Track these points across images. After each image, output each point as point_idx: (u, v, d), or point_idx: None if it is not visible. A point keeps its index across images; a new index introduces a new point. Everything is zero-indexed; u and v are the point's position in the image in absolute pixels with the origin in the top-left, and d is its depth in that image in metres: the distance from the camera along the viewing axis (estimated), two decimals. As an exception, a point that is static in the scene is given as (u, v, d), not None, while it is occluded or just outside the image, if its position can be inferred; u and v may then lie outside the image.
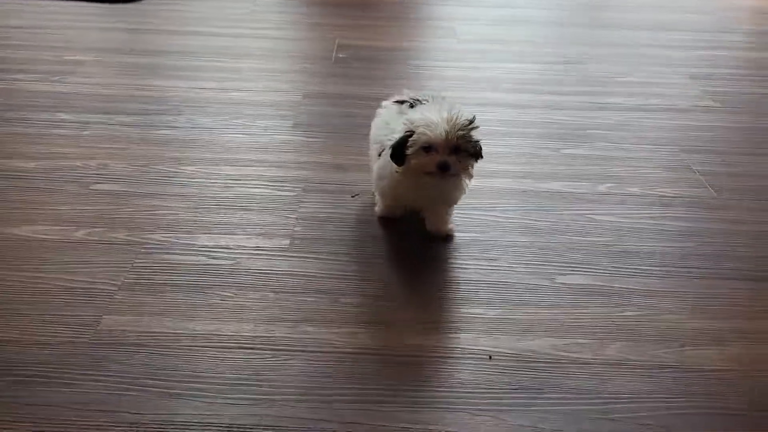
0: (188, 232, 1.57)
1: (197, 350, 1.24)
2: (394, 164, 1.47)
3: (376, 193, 1.64)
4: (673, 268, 1.52)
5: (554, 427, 1.11)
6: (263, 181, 1.80)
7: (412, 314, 1.36)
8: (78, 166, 1.83)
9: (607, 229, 1.64)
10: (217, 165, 1.87)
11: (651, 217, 1.71)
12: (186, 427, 1.08)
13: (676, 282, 1.48)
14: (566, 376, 1.22)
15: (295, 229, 1.60)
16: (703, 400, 1.18)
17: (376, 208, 1.65)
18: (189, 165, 1.86)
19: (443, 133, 1.41)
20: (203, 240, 1.54)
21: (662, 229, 1.66)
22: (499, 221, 1.66)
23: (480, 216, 1.68)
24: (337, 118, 2.23)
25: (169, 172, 1.82)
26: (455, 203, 1.57)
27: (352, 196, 1.74)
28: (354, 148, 1.97)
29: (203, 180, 1.79)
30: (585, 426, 1.12)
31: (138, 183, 1.77)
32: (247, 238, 1.56)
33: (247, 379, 1.18)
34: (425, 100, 1.55)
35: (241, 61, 2.67)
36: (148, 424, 1.09)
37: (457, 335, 1.30)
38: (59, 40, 2.81)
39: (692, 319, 1.36)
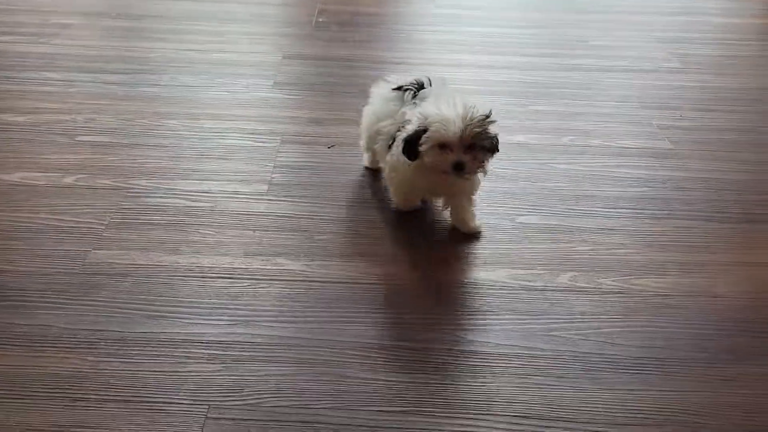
0: (170, 179, 1.66)
1: (179, 279, 1.34)
2: (405, 158, 1.43)
3: (389, 186, 1.57)
4: (626, 210, 1.63)
5: (510, 344, 1.23)
6: (242, 133, 1.89)
7: (380, 249, 1.46)
8: (65, 120, 1.91)
9: (566, 176, 1.75)
10: (198, 119, 1.95)
11: (609, 166, 1.81)
12: (168, 343, 1.19)
13: (627, 221, 1.59)
14: (520, 300, 1.33)
15: (273, 175, 1.70)
16: (644, 319, 1.30)
17: (393, 202, 1.57)
18: (171, 119, 1.94)
19: (458, 131, 1.35)
20: (184, 185, 1.64)
21: (619, 176, 1.77)
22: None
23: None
24: (315, 77, 2.32)
25: (153, 125, 1.91)
26: (473, 194, 1.52)
27: (328, 147, 1.84)
28: (331, 104, 2.07)
29: (185, 132, 1.88)
30: (535, 343, 1.23)
31: (122, 135, 1.85)
32: (227, 183, 1.65)
33: (225, 304, 1.28)
34: (421, 82, 1.50)
35: (224, 25, 2.74)
36: (133, 340, 1.19)
37: (422, 267, 1.42)
38: (46, 4, 2.86)
39: (639, 253, 1.48)
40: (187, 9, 2.90)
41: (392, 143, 1.48)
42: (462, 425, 1.07)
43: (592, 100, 2.19)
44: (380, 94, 1.58)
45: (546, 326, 1.27)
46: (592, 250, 1.48)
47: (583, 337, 1.25)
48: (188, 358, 1.16)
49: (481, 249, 1.47)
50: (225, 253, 1.41)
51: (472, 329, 1.26)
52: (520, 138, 1.93)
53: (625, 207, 1.64)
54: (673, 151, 1.89)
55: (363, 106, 1.66)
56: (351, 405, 1.09)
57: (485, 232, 1.51)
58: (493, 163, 1.64)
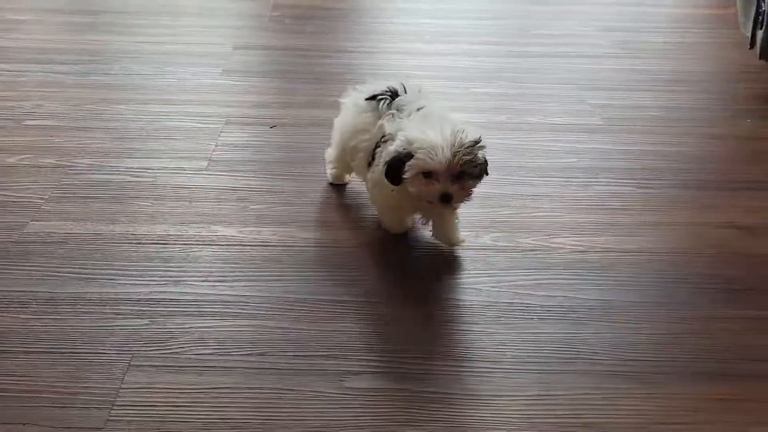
0: (114, 158, 1.71)
1: (113, 246, 1.39)
2: (388, 183, 1.32)
3: (374, 205, 1.48)
4: (552, 178, 1.70)
5: (433, 299, 1.30)
6: (188, 116, 1.94)
7: (312, 216, 1.52)
8: (12, 106, 1.95)
9: (498, 150, 1.81)
10: (146, 104, 2.00)
11: (542, 140, 1.89)
12: (98, 302, 1.23)
13: (552, 189, 1.66)
14: (445, 260, 1.40)
15: (214, 153, 1.75)
16: (558, 273, 1.36)
17: (383, 224, 1.47)
18: (119, 104, 1.99)
19: (446, 160, 1.24)
20: (128, 163, 1.69)
21: (550, 149, 1.84)
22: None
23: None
24: (265, 66, 2.38)
25: (100, 110, 1.96)
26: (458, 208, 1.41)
27: (271, 127, 1.89)
28: (279, 90, 2.14)
29: (132, 116, 1.93)
30: (454, 295, 1.30)
31: (69, 119, 1.90)
32: (169, 160, 1.70)
33: (156, 266, 1.33)
34: (395, 90, 1.40)
35: (178, 19, 2.79)
36: (63, 299, 1.23)
37: (349, 231, 1.48)
38: (1, 1, 2.91)
39: (561, 216, 1.55)
40: (143, 4, 2.94)
41: (372, 159, 1.38)
42: (376, 367, 1.12)
43: (533, 82, 2.27)
44: (353, 104, 1.46)
45: (465, 281, 1.34)
46: (516, 214, 1.55)
47: (498, 289, 1.32)
48: (117, 314, 1.21)
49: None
50: (161, 222, 1.46)
51: (394, 285, 1.33)
52: (458, 117, 2.00)
53: (553, 176, 1.71)
54: (603, 127, 1.97)
55: (335, 117, 1.55)
56: (269, 351, 1.15)
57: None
58: None
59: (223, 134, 1.84)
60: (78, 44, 2.48)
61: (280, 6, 2.97)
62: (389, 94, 1.41)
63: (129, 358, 1.11)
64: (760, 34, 2.05)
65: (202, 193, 1.58)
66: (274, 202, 1.56)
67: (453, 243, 1.42)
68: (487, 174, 1.33)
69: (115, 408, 1.03)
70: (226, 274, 1.33)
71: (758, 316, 1.28)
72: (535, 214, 1.55)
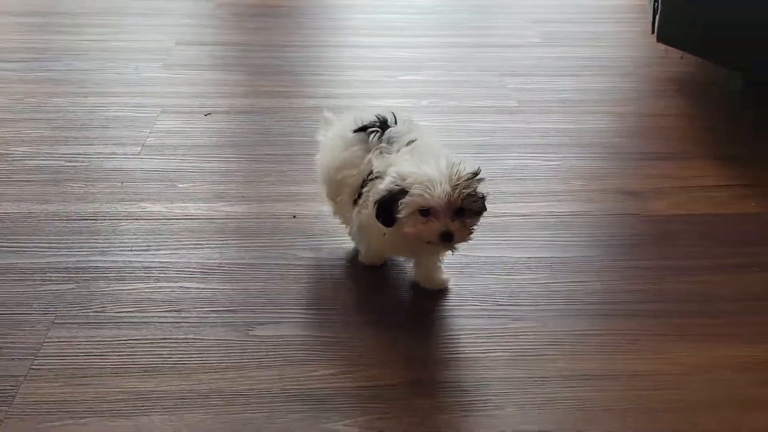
0: (50, 145, 1.81)
1: (45, 223, 1.48)
2: (380, 224, 1.21)
3: (355, 242, 1.39)
4: (468, 154, 1.82)
5: (314, 256, 1.42)
6: (125, 107, 2.03)
7: (233, 193, 1.62)
8: (-46, 101, 2.05)
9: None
10: (86, 97, 2.09)
11: (461, 121, 2.03)
12: (27, 270, 1.33)
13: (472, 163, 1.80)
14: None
15: (148, 139, 1.85)
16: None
17: (361, 256, 1.39)
18: (59, 97, 2.08)
19: (445, 195, 1.14)
20: (63, 150, 1.78)
21: (466, 128, 1.98)
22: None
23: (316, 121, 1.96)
24: (205, 60, 2.48)
25: (41, 103, 2.04)
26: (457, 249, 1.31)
27: (205, 115, 2.00)
28: (217, 81, 2.25)
29: (71, 108, 2.02)
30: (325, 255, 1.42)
31: (8, 112, 1.98)
32: (103, 147, 1.80)
33: (85, 239, 1.43)
34: (384, 119, 1.29)
35: (123, 18, 2.87)
36: (-9, 269, 1.34)
37: (267, 205, 1.57)
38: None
39: (469, 187, 1.69)
40: (91, 5, 3.01)
41: (358, 197, 1.27)
42: (280, 318, 1.24)
43: (458, 70, 2.41)
44: (339, 136, 1.34)
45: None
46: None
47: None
48: (44, 281, 1.31)
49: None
50: (91, 201, 1.56)
51: (302, 249, 1.43)
52: (386, 102, 2.12)
53: (469, 152, 1.84)
54: (518, 108, 2.11)
55: (315, 155, 1.45)
56: (184, 308, 1.26)
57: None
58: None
59: (158, 122, 1.94)
60: (25, 44, 2.56)
61: (222, 4, 3.08)
62: (379, 125, 1.30)
63: (53, 317, 1.21)
64: (657, 18, 2.21)
65: (133, 175, 1.68)
66: (203, 181, 1.67)
67: (437, 285, 1.34)
68: (486, 210, 1.22)
69: (37, 358, 1.13)
70: (150, 244, 1.43)
71: (647, 266, 1.43)
72: (444, 185, 1.69)
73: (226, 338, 1.18)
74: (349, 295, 1.32)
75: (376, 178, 1.22)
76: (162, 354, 1.15)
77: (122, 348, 1.16)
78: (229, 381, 1.10)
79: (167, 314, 1.23)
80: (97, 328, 1.19)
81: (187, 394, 1.08)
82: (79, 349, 1.15)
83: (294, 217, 1.53)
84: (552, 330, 1.25)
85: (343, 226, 1.40)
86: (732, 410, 1.08)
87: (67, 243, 1.42)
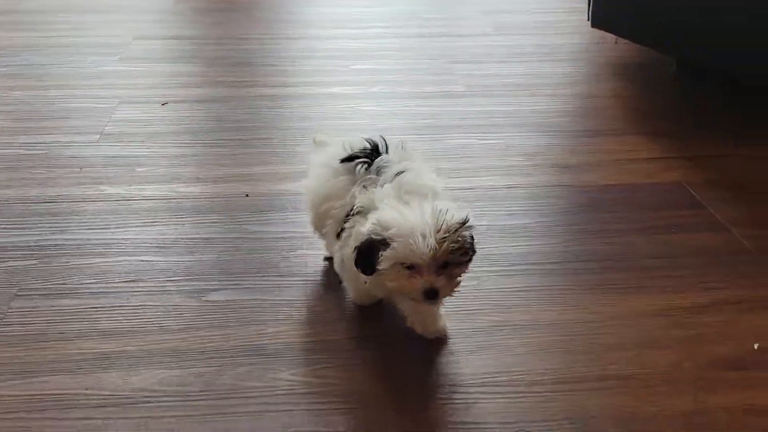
0: (9, 135, 1.87)
1: (6, 207, 1.55)
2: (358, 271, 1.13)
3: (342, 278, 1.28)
4: (411, 135, 1.93)
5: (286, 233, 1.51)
6: (84, 98, 2.10)
7: (190, 175, 1.70)
8: None
9: (366, 115, 2.05)
10: (44, 90, 2.15)
11: (408, 106, 2.12)
12: (-9, 250, 1.40)
13: (415, 144, 1.88)
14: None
15: (106, 128, 1.92)
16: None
17: (349, 295, 1.29)
18: (18, 91, 2.14)
19: (430, 252, 1.04)
20: (22, 139, 1.84)
21: (413, 113, 2.08)
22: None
23: (270, 108, 2.06)
24: (161, 53, 2.55)
25: (0, 96, 2.10)
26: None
27: (162, 104, 2.07)
28: (173, 72, 2.32)
29: (30, 100, 2.08)
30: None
31: (-32, 105, 2.04)
32: (62, 136, 1.87)
33: (45, 220, 1.50)
34: (375, 145, 1.22)
35: (83, 15, 2.92)
36: (-42, 249, 1.40)
37: (222, 186, 1.66)
38: None
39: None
40: (51, 3, 3.06)
41: (341, 231, 1.19)
42: (234, 285, 1.32)
43: (410, 59, 2.51)
44: (325, 165, 1.26)
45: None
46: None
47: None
48: (7, 258, 1.38)
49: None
50: (51, 186, 1.63)
51: (254, 223, 1.51)
52: (335, 89, 2.22)
53: (413, 133, 1.94)
54: (465, 93, 2.22)
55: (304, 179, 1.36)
56: (141, 278, 1.33)
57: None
58: (308, 109, 1.87)
59: (116, 112, 2.01)
60: (-17, 41, 2.61)
61: (183, 0, 3.15)
62: (368, 153, 1.22)
63: (15, 290, 1.28)
64: (591, 5, 2.34)
65: (92, 161, 1.75)
66: (160, 166, 1.74)
67: (431, 333, 1.22)
68: (475, 253, 1.12)
69: (0, 327, 1.20)
70: (109, 223, 1.50)
71: (577, 230, 1.54)
72: (391, 164, 1.79)
73: (181, 304, 1.27)
74: (297, 262, 1.40)
75: (359, 213, 1.14)
76: (120, 319, 1.23)
77: (82, 315, 1.23)
78: (183, 341, 1.19)
79: (126, 284, 1.31)
80: (58, 299, 1.27)
81: (144, 353, 1.16)
82: (41, 317, 1.22)
83: (246, 195, 1.62)
84: (487, 288, 1.35)
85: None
86: (640, 350, 1.19)
87: (28, 224, 1.48)
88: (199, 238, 1.46)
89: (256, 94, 2.18)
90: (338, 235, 1.20)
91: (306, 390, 1.10)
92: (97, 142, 1.84)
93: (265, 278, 1.35)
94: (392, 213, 1.08)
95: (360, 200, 1.15)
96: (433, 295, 1.08)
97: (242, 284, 1.33)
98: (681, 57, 2.33)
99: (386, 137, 1.25)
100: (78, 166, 1.72)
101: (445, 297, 1.11)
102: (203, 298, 1.28)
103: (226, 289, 1.32)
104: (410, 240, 1.04)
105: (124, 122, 1.96)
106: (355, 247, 1.11)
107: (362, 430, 1.05)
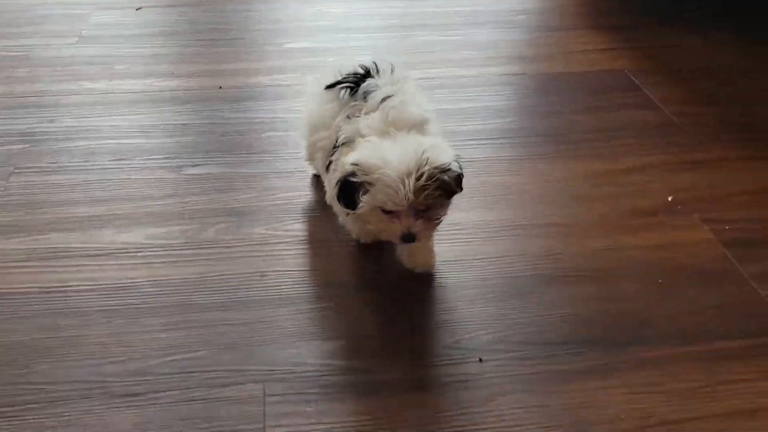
0: (-8, 40, 1.96)
1: (-5, 100, 1.67)
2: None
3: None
4: (381, 34, 2.04)
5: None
6: (60, 4, 2.16)
7: (166, 71, 1.81)
8: None
9: (335, 16, 2.15)
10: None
11: (374, 7, 2.21)
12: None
13: (382, 42, 2.00)
14: (260, 99, 1.73)
15: (83, 31, 2.00)
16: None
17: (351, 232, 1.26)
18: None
19: (406, 200, 1.02)
20: (2, 43, 1.92)
21: (378, 13, 2.17)
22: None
23: (240, 12, 2.14)
24: None
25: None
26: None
27: (136, 9, 2.15)
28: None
29: (5, 8, 2.13)
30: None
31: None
32: (41, 38, 1.94)
33: (32, 112, 1.61)
34: (366, 69, 1.17)
35: None
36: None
37: (195, 80, 1.77)
38: None
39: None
40: None
41: (329, 164, 1.15)
42: (209, 160, 1.45)
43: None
44: (315, 93, 1.24)
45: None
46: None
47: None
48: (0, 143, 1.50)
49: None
50: (36, 82, 1.73)
51: (229, 111, 1.63)
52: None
53: (379, 33, 2.04)
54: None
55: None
56: (126, 157, 1.46)
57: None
58: (272, 12, 1.94)
59: (92, 18, 2.09)
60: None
61: None
62: (355, 78, 1.17)
63: (12, 169, 1.41)
64: None
65: (72, 60, 1.85)
66: (137, 64, 1.85)
67: (417, 265, 1.21)
68: (461, 189, 1.08)
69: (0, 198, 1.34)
70: (93, 113, 1.62)
71: (525, 111, 1.66)
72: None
73: (163, 177, 1.40)
74: (268, 142, 1.53)
75: (344, 144, 1.11)
76: (109, 190, 1.36)
77: (74, 187, 1.37)
78: (167, 205, 1.33)
79: (112, 162, 1.44)
80: (51, 175, 1.40)
81: (132, 215, 1.30)
82: (37, 189, 1.36)
83: (220, 88, 1.73)
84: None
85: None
86: (574, 204, 1.36)
87: (16, 115, 1.60)
88: (178, 124, 1.59)
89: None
90: (327, 168, 1.16)
91: (276, 241, 1.26)
92: (76, 44, 1.93)
93: (238, 155, 1.48)
94: (373, 154, 1.03)
95: (344, 131, 1.12)
96: (410, 239, 1.07)
97: (217, 160, 1.47)
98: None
99: (379, 61, 1.19)
100: (60, 64, 1.81)
101: (423, 239, 1.10)
102: (182, 172, 1.42)
103: (204, 164, 1.45)
104: (389, 188, 1.01)
105: (100, 26, 2.04)
106: (336, 181, 1.08)
107: (322, 264, 1.21)
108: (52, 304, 1.11)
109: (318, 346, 1.06)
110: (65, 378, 1.00)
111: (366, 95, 1.14)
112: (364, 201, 1.04)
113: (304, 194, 1.38)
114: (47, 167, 1.42)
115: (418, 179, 1.01)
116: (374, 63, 1.18)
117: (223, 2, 2.21)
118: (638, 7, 2.25)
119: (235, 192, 1.37)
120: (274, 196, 1.37)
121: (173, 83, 1.76)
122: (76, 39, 1.95)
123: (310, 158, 1.31)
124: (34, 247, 1.22)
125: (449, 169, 1.03)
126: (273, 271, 1.19)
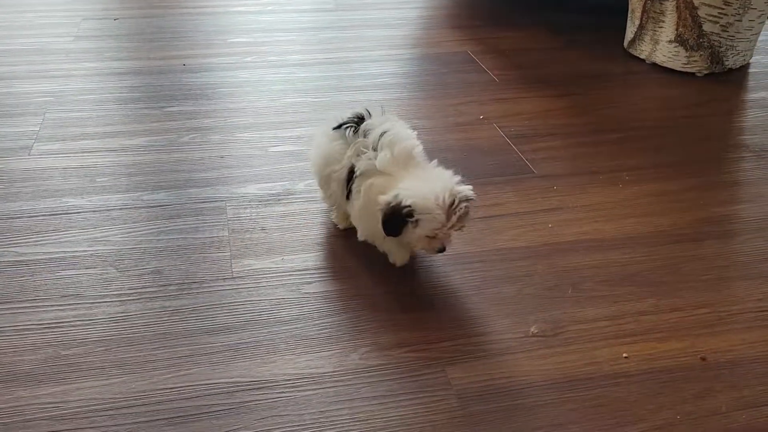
0: None
1: None
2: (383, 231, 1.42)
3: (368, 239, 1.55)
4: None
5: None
6: (51, 14, 2.84)
7: (153, 66, 2.52)
8: None
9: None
10: (21, 14, 2.88)
11: (291, 15, 2.99)
12: None
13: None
14: (221, 69, 2.45)
15: (78, 33, 2.68)
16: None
17: (390, 257, 1.55)
18: (-1, 13, 2.87)
19: (448, 223, 1.37)
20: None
21: (294, 20, 2.94)
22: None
23: (193, 17, 2.87)
24: None
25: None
26: None
27: (114, 19, 2.85)
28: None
29: (4, 21, 2.81)
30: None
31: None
32: (36, 38, 2.62)
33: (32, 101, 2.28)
34: (360, 115, 1.50)
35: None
36: None
37: (163, 61, 2.48)
38: None
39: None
40: None
41: (349, 192, 1.49)
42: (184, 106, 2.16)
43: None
44: (322, 134, 1.56)
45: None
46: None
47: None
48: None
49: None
50: (32, 78, 2.40)
51: (193, 76, 2.35)
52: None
53: (293, 34, 2.81)
54: (337, 7, 3.11)
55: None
56: (117, 131, 2.15)
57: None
58: (218, 17, 2.67)
59: (81, 25, 2.77)
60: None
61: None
62: (356, 120, 1.50)
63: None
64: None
65: (65, 57, 2.52)
66: (128, 60, 2.54)
67: (402, 263, 1.53)
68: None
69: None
70: (88, 97, 2.30)
71: (389, 82, 2.46)
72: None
73: (147, 113, 2.11)
74: (252, 95, 2.25)
75: (361, 176, 1.44)
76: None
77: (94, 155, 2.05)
78: (159, 153, 2.02)
79: (102, 136, 2.13)
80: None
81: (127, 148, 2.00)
82: (62, 159, 2.04)
83: (184, 65, 2.45)
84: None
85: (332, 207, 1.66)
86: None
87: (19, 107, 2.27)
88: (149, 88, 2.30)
89: (186, 12, 2.98)
90: (347, 197, 1.50)
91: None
92: (72, 43, 2.61)
93: (214, 102, 2.20)
94: (415, 191, 1.36)
95: (359, 166, 1.45)
96: (444, 250, 1.45)
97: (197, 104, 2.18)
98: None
99: (370, 108, 1.52)
100: (53, 61, 2.49)
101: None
102: (165, 109, 2.13)
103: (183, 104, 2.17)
104: (437, 221, 1.36)
105: (92, 30, 2.73)
106: (383, 215, 1.38)
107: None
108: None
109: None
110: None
111: (366, 133, 1.48)
112: (417, 232, 1.37)
113: (291, 124, 2.11)
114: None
115: (455, 213, 1.37)
116: (366, 110, 1.52)
117: (181, 14, 2.93)
118: (483, 14, 3.11)
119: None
120: (272, 140, 2.10)
121: (138, 64, 2.47)
122: (72, 38, 2.64)
123: (323, 188, 1.61)
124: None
125: (472, 198, 1.39)
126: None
